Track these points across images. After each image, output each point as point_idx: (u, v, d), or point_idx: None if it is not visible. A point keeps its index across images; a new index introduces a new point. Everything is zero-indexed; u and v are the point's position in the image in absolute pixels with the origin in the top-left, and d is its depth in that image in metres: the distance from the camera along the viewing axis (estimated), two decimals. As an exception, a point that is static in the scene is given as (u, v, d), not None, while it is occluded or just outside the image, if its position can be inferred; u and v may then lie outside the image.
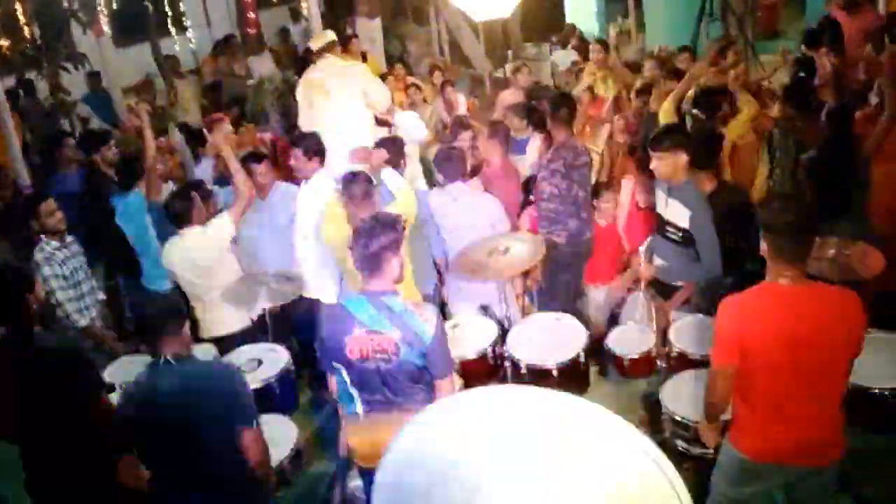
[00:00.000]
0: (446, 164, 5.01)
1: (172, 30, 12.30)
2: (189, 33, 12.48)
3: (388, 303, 3.21)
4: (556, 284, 5.20)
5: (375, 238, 3.20)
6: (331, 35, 6.14)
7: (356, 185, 4.23)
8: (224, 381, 3.19)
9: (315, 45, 6.03)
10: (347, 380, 3.32)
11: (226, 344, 4.66)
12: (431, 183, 5.87)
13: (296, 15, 13.11)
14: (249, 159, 5.26)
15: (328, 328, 3.34)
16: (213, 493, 3.18)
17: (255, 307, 4.72)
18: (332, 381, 3.45)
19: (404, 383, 3.24)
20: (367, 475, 3.51)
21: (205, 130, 6.22)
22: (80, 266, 4.98)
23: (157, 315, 3.18)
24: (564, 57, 10.06)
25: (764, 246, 2.95)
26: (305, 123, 5.87)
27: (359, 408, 3.34)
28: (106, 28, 10.30)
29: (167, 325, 3.14)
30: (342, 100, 5.73)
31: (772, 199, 3.08)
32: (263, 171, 5.23)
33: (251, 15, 11.63)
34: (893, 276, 4.19)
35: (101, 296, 5.31)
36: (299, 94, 6.04)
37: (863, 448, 4.24)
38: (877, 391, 3.63)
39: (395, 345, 3.16)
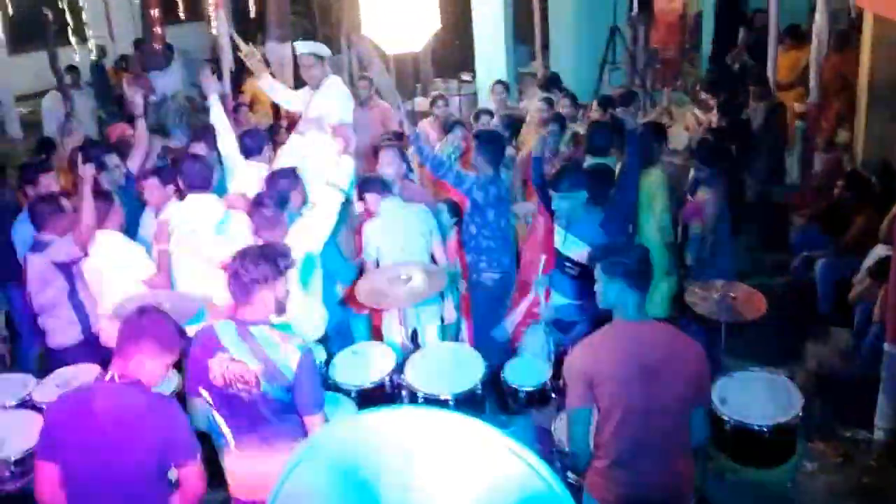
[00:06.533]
0: (373, 183, 4.99)
1: (73, 39, 11.93)
2: (91, 44, 12.12)
3: (254, 333, 3.14)
4: (492, 322, 5.19)
5: (252, 268, 3.14)
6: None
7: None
8: (163, 413, 2.97)
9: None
10: (212, 405, 3.23)
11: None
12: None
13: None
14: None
15: (194, 350, 3.24)
16: None
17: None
18: (193, 405, 3.32)
19: (269, 415, 3.16)
20: None
21: None
22: None
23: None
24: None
25: (601, 288, 3.13)
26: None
27: (228, 436, 3.26)
28: (0, 34, 9.91)
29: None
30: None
31: (612, 245, 3.28)
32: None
33: (157, 30, 11.35)
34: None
35: None
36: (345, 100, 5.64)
37: (744, 482, 4.44)
38: (756, 428, 3.80)
39: (255, 377, 3.10)
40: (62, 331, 4.76)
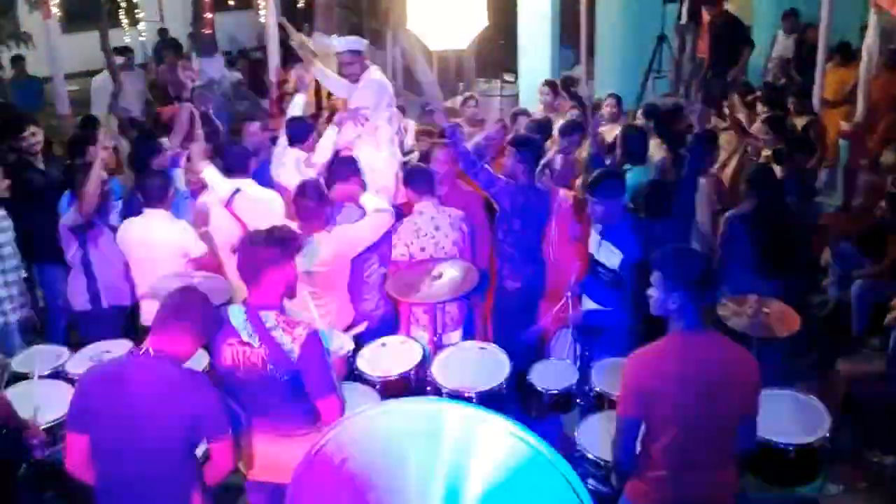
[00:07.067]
0: (417, 179, 4.96)
1: (125, 21, 12.11)
2: (141, 26, 12.31)
3: (262, 317, 3.18)
4: (509, 329, 5.12)
5: (259, 249, 3.18)
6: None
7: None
8: (195, 388, 3.02)
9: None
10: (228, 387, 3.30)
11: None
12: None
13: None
14: None
15: None
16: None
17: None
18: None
19: (279, 399, 3.21)
20: (254, 488, 3.46)
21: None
22: (7, 241, 4.92)
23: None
24: None
25: (660, 295, 3.01)
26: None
27: (242, 417, 3.31)
28: (55, 11, 10.08)
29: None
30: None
31: (675, 253, 3.13)
32: None
33: (208, 15, 11.48)
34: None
35: (24, 273, 5.22)
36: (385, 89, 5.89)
37: (767, 500, 4.39)
38: (782, 446, 3.75)
39: (262, 360, 3.14)
40: (75, 295, 5.00)
